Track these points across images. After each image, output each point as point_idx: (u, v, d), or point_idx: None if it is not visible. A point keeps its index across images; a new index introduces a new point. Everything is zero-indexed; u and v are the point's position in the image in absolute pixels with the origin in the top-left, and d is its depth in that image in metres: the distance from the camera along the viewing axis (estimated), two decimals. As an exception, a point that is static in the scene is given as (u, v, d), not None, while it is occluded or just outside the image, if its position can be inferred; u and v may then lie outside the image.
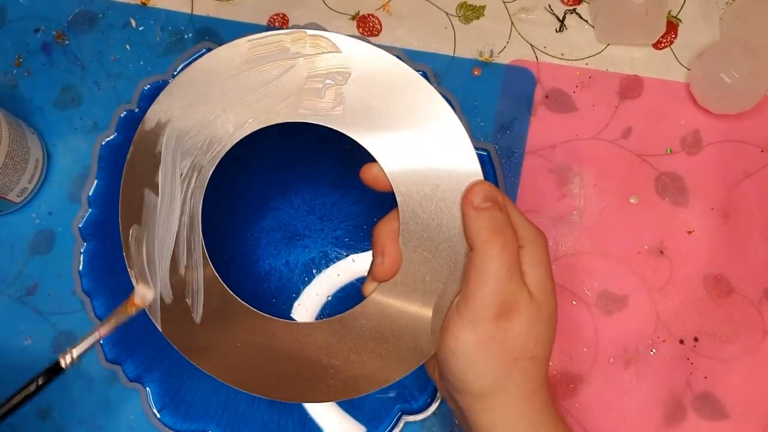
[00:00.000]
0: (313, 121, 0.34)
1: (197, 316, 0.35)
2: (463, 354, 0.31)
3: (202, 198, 0.34)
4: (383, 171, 0.34)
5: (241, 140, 0.34)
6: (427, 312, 0.34)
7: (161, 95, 0.34)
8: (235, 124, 0.34)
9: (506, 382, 0.31)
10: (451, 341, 0.31)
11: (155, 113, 0.34)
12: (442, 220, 0.33)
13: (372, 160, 0.34)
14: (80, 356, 0.32)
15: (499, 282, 0.30)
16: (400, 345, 0.34)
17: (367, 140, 0.34)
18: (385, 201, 0.42)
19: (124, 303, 0.34)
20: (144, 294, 0.34)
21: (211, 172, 0.34)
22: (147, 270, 0.34)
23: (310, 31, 0.34)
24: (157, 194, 0.34)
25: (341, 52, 0.34)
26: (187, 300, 0.34)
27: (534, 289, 0.31)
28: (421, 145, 0.34)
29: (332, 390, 0.34)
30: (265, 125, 0.34)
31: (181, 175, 0.34)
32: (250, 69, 0.34)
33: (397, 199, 0.34)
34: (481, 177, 0.33)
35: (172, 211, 0.34)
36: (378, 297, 0.34)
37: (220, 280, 0.35)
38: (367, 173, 0.34)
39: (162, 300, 0.34)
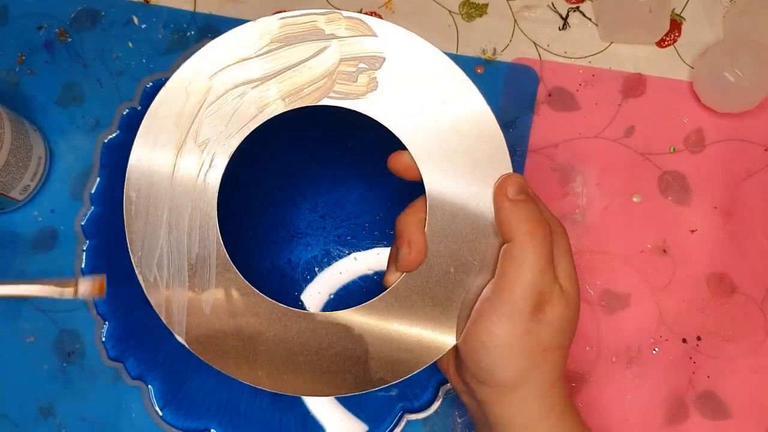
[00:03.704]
0: (344, 105, 0.33)
1: (207, 306, 0.33)
2: (495, 346, 0.31)
3: (220, 180, 0.32)
4: (413, 159, 0.33)
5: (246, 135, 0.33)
6: (450, 304, 0.33)
7: (194, 57, 0.32)
8: (259, 105, 0.33)
9: (532, 374, 0.31)
10: (483, 333, 0.31)
11: (183, 73, 0.32)
12: (471, 211, 0.33)
13: (400, 148, 0.33)
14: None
15: (538, 274, 0.30)
16: (421, 337, 0.33)
17: (398, 127, 0.33)
18: (386, 199, 0.42)
19: (66, 282, 0.32)
20: (85, 291, 0.33)
21: (230, 154, 0.32)
22: (152, 260, 0.32)
23: (345, 13, 0.33)
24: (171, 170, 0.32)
25: (377, 36, 0.33)
26: (195, 290, 0.32)
27: (562, 280, 0.32)
28: (452, 135, 0.33)
29: (347, 384, 0.33)
30: (294, 107, 0.33)
31: (201, 153, 0.32)
32: (280, 48, 0.33)
33: (426, 188, 0.33)
34: (511, 169, 0.33)
35: (184, 197, 0.32)
36: (399, 288, 0.33)
37: (233, 267, 0.32)
38: (397, 161, 0.33)
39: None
